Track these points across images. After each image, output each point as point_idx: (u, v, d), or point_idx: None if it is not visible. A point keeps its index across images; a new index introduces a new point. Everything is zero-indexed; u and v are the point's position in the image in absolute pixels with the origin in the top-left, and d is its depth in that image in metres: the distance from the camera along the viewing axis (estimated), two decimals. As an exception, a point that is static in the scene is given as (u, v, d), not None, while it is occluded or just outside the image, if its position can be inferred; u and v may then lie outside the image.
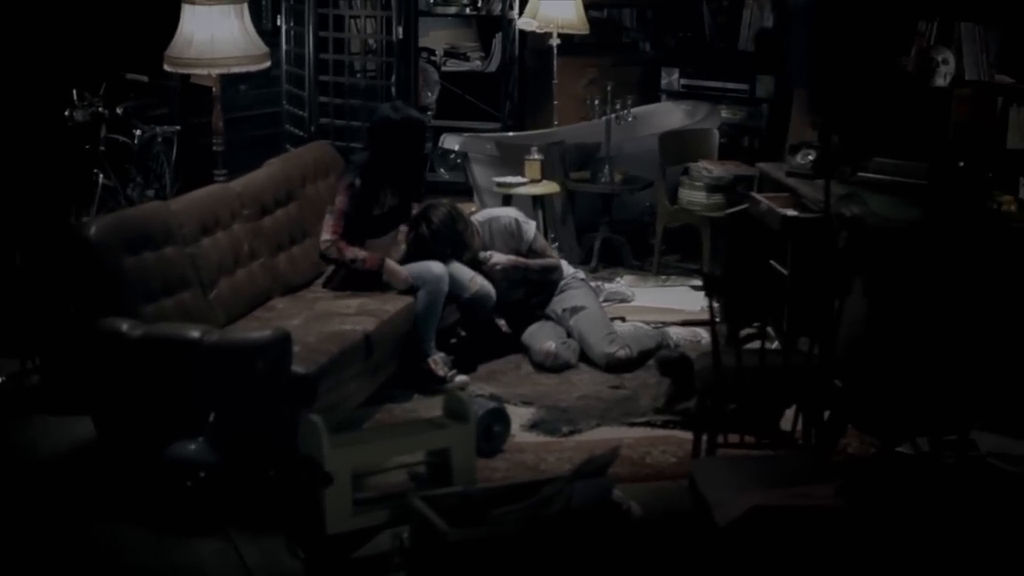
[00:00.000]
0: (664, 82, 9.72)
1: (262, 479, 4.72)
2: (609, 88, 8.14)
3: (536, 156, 7.76)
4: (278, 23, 8.96)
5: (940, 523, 4.39)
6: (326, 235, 6.14)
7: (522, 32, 9.45)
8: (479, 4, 10.20)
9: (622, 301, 7.39)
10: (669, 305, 7.34)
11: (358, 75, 8.84)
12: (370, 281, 6.13)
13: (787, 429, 5.03)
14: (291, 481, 4.51)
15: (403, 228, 6.41)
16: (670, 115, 9.23)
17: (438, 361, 6.13)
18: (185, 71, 6.61)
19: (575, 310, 6.56)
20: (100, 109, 7.54)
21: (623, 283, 7.70)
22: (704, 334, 6.71)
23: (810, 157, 6.64)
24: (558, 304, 6.65)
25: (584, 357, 6.45)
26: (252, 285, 5.91)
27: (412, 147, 6.36)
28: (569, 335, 6.52)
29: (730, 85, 9.44)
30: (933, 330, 5.39)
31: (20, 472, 5.25)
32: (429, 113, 9.86)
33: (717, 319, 4.88)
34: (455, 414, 4.78)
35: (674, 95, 9.65)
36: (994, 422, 5.43)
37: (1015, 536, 4.49)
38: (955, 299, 5.40)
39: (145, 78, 7.94)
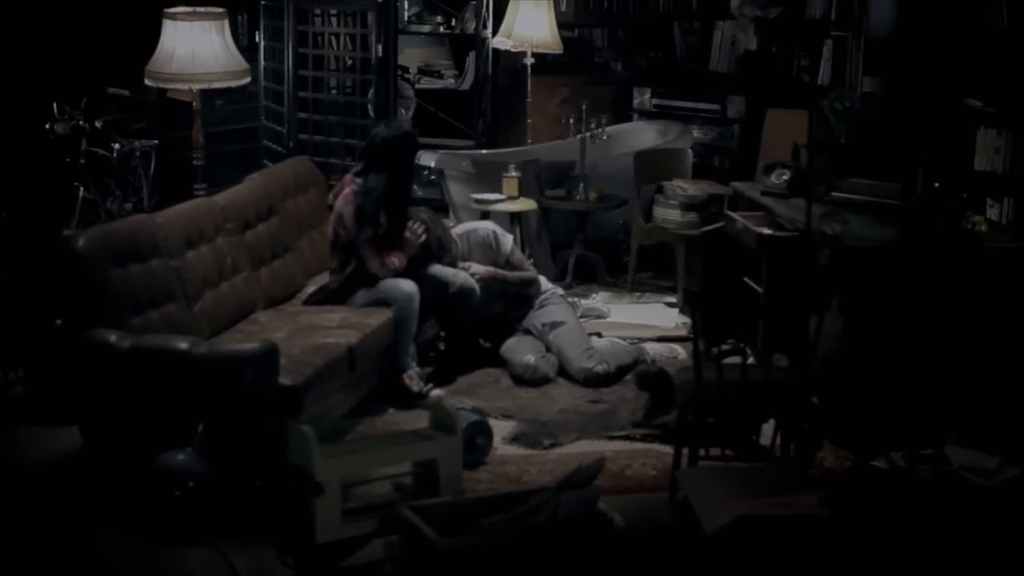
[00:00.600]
0: (636, 102, 9.84)
1: (250, 488, 4.77)
2: (584, 107, 8.23)
3: (514, 173, 7.85)
4: (256, 39, 9.02)
5: (917, 533, 4.51)
6: (374, 265, 6.19)
7: (495, 51, 9.55)
8: (453, 23, 10.28)
9: (598, 317, 7.45)
10: (644, 321, 7.42)
11: (333, 91, 8.90)
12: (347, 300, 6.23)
13: (765, 443, 5.14)
14: (280, 490, 4.57)
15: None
16: (643, 134, 9.31)
17: (413, 376, 6.19)
18: (166, 86, 6.66)
19: (554, 325, 6.63)
20: (81, 123, 7.58)
21: (598, 299, 7.78)
22: (680, 350, 6.82)
23: (784, 177, 6.74)
24: (537, 319, 6.72)
25: (563, 372, 6.51)
26: (236, 298, 5.96)
27: (410, 160, 6.46)
28: (548, 350, 6.58)
29: (701, 105, 9.57)
30: (907, 347, 5.49)
31: (6, 483, 5.25)
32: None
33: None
34: (442, 426, 4.86)
35: (646, 115, 9.77)
36: (967, 437, 5.54)
37: (987, 546, 4.62)
38: (929, 316, 5.51)
39: (126, 92, 7.98)
